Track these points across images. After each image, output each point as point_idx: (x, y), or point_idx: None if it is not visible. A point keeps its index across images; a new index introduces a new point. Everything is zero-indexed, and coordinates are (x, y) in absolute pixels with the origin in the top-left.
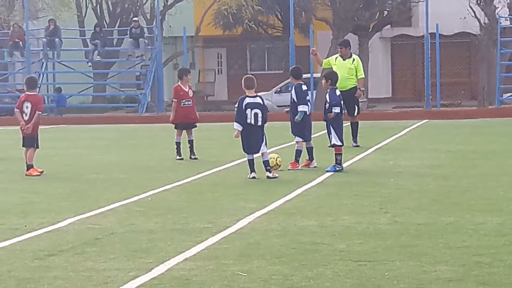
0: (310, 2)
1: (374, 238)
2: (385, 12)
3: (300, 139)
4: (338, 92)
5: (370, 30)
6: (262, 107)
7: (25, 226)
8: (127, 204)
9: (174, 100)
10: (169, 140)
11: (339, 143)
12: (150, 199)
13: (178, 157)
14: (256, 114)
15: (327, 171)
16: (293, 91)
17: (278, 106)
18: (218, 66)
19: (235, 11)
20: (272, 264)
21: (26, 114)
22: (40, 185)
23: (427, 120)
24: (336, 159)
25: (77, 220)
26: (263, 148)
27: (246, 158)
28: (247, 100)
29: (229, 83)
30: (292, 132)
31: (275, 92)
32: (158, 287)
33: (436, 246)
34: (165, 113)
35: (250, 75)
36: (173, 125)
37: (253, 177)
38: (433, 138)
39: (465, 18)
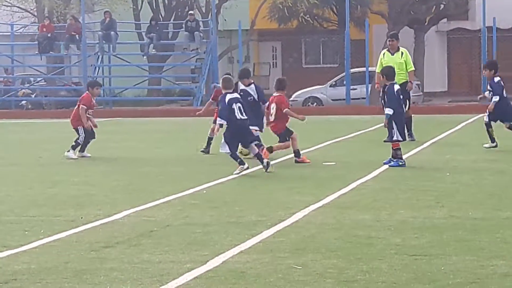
0: None
1: (430, 232)
2: (442, 6)
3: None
4: (396, 87)
5: (426, 24)
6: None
7: (82, 218)
8: (182, 197)
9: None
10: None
11: (400, 139)
12: (205, 192)
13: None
14: (240, 108)
15: (391, 166)
16: None
17: (333, 100)
18: (273, 59)
19: (290, 5)
20: (327, 257)
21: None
22: (96, 177)
23: (483, 114)
24: (396, 154)
25: (133, 212)
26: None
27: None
28: (228, 96)
29: (284, 76)
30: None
31: (330, 86)
32: (213, 280)
33: (493, 241)
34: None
35: (228, 76)
36: None
37: (246, 168)
38: None
39: None
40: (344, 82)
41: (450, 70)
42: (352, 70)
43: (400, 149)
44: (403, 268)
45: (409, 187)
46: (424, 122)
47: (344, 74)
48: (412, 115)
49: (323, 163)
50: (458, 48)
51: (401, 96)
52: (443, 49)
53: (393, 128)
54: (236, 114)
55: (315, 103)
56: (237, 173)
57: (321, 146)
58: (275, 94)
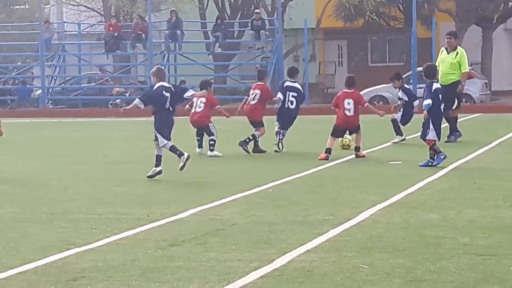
0: None
1: (499, 232)
2: (510, 3)
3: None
4: (435, 86)
5: (494, 22)
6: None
7: (148, 216)
8: (248, 196)
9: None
10: (289, 132)
11: (436, 138)
12: (271, 190)
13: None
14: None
15: (434, 165)
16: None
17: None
18: (339, 58)
19: (357, 3)
20: (394, 257)
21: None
22: (162, 176)
23: None
24: (434, 151)
25: (199, 211)
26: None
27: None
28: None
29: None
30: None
31: None
32: (280, 279)
33: None
34: None
35: (162, 68)
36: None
37: (188, 157)
38: None
39: None
40: (411, 81)
41: None
42: (419, 69)
43: (435, 144)
44: (472, 268)
45: (476, 186)
46: (491, 121)
47: (410, 72)
48: (459, 115)
49: (389, 162)
50: None
51: (440, 96)
52: (511, 47)
53: (429, 128)
54: (167, 103)
55: (381, 102)
56: (182, 165)
57: (387, 145)
58: (347, 90)
